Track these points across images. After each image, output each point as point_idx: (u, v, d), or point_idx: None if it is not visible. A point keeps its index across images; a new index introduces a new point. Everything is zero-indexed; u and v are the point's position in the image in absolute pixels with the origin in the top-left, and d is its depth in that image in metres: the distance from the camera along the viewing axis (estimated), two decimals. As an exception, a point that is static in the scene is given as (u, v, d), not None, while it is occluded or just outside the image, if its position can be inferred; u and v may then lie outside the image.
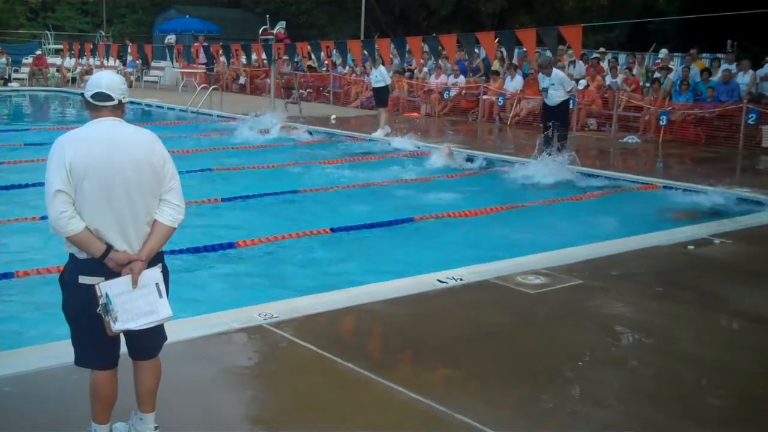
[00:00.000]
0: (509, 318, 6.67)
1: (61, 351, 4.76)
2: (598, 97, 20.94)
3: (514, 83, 22.34)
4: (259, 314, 6.32)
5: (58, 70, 33.22)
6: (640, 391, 5.29)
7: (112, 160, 3.92)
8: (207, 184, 12.70)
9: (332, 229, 9.65)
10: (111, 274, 3.95)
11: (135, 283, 3.96)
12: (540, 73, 15.97)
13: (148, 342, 4.22)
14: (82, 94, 4.14)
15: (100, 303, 3.91)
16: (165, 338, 4.32)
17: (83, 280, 3.96)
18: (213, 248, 8.71)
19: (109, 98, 4.05)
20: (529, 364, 5.69)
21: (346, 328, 6.52)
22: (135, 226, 4.01)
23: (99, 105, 4.05)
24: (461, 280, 7.43)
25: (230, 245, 8.86)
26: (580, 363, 5.75)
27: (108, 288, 3.92)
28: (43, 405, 4.86)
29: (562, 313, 6.83)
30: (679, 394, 5.28)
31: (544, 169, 13.60)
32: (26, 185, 11.52)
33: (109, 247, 3.93)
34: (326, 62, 25.40)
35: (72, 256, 4.01)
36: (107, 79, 4.13)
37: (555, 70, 15.49)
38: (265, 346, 5.94)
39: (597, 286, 7.54)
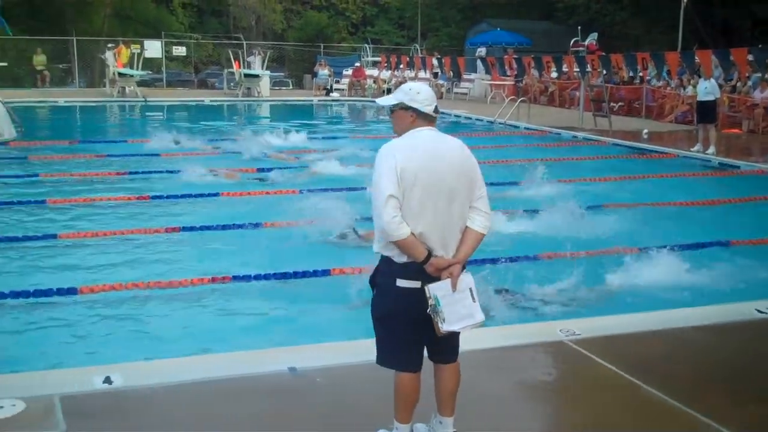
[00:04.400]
0: (841, 358, 5.98)
1: (368, 348, 4.92)
2: None
3: None
4: (560, 330, 6.20)
5: (374, 82, 35.02)
6: None
7: (437, 168, 4.04)
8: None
9: (640, 249, 9.24)
10: (427, 277, 4.05)
11: (454, 286, 4.05)
12: None
13: (449, 346, 4.29)
14: (398, 104, 4.19)
15: (430, 304, 4.02)
16: (458, 343, 4.39)
17: (401, 283, 4.07)
18: (515, 259, 8.67)
19: (436, 110, 4.22)
20: None
21: (652, 351, 6.18)
22: (452, 232, 4.11)
23: (432, 116, 4.20)
24: (785, 311, 6.79)
25: (535, 258, 8.77)
26: None
27: (436, 290, 4.03)
28: (350, 398, 5.10)
29: None
30: None
31: None
32: (343, 189, 12.27)
33: (430, 252, 4.04)
34: (640, 74, 24.62)
35: (387, 259, 4.13)
36: (431, 92, 4.28)
37: None
38: (564, 362, 5.82)
39: None
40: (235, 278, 7.95)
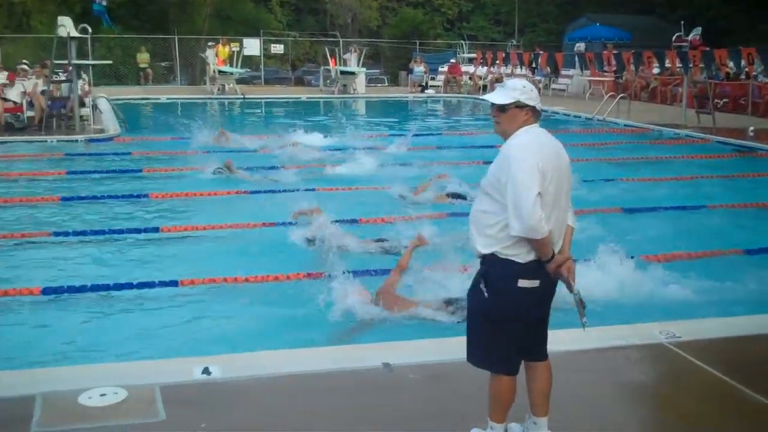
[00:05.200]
0: None
1: (462, 346, 4.91)
2: None
3: None
4: (660, 332, 6.06)
5: (470, 78, 34.81)
6: None
7: (561, 166, 4.09)
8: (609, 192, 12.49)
9: (746, 251, 8.94)
10: (546, 276, 4.07)
11: (573, 281, 4.11)
12: None
13: (543, 342, 4.31)
14: (515, 102, 4.12)
15: (577, 301, 4.11)
16: None
17: (523, 283, 4.05)
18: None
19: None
20: None
21: (754, 355, 5.98)
22: (563, 228, 4.18)
23: (540, 113, 4.21)
24: None
25: (633, 258, 8.56)
26: None
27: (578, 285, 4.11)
28: (443, 395, 5.12)
29: None
30: None
31: None
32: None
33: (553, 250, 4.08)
34: (746, 70, 23.81)
35: (505, 260, 4.06)
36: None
37: None
38: (664, 365, 5.68)
39: None
40: (331, 275, 8.01)
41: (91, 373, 5.34)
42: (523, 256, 4.02)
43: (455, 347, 5.35)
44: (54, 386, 5.04)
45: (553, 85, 33.38)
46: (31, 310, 7.24)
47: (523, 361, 4.29)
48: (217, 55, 31.81)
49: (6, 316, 7.07)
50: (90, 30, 20.66)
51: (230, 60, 32.44)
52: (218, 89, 30.75)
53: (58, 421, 4.65)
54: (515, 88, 4.18)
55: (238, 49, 33.18)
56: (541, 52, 31.62)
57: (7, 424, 4.64)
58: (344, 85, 32.06)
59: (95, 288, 7.62)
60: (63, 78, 20.10)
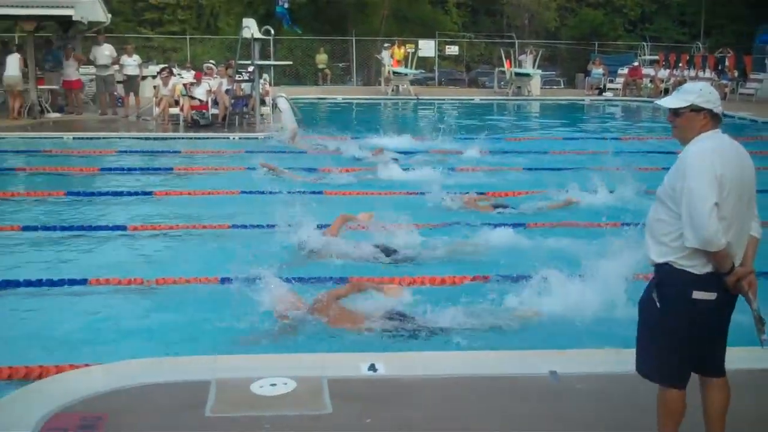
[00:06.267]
0: None
1: (628, 358, 4.75)
2: None
3: None
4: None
5: (651, 81, 33.65)
6: None
7: (743, 175, 3.91)
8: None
9: None
10: (725, 288, 3.88)
11: (755, 295, 3.91)
12: None
13: (719, 358, 4.11)
14: (690, 105, 3.98)
15: (755, 316, 3.93)
16: None
17: (698, 295, 3.90)
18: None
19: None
20: None
21: None
22: (745, 240, 3.97)
23: (721, 118, 4.04)
24: None
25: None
26: None
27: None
28: (610, 407, 4.99)
29: None
30: None
31: None
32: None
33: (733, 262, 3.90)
34: None
35: (681, 270, 3.92)
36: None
37: None
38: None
39: None
40: (494, 278, 7.93)
41: (262, 362, 5.51)
42: (699, 267, 3.86)
43: (625, 358, 5.17)
44: (228, 373, 5.23)
45: (740, 90, 31.72)
46: (209, 298, 7.54)
47: (699, 377, 4.11)
48: (392, 56, 32.28)
49: (186, 303, 7.40)
50: (272, 31, 21.40)
51: (405, 61, 32.82)
52: (392, 90, 31.18)
53: (231, 407, 4.82)
54: (691, 91, 4.03)
55: (413, 50, 33.54)
56: (728, 54, 30.21)
57: (183, 407, 4.86)
58: (518, 87, 31.74)
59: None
60: (246, 77, 20.93)
